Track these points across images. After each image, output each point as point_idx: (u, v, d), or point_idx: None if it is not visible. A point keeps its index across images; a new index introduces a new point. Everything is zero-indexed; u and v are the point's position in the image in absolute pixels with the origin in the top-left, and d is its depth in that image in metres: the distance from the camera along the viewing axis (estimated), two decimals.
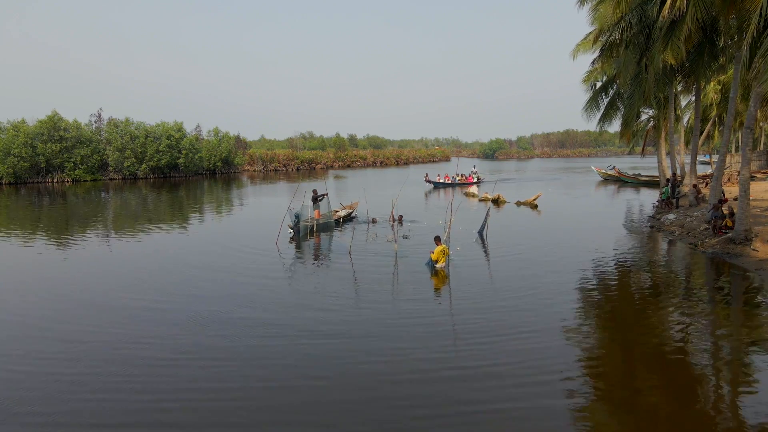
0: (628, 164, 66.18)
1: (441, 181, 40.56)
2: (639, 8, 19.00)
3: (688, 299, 10.63)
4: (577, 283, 11.88)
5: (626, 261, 14.24)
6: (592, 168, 50.57)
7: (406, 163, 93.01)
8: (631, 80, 21.02)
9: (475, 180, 42.40)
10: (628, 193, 35.10)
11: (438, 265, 12.71)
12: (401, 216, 20.58)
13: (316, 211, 18.87)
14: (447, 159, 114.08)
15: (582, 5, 24.90)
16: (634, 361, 7.82)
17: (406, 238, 16.69)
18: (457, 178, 41.67)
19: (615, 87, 29.10)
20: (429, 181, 39.90)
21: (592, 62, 28.87)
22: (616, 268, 13.32)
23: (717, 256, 13.95)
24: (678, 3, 14.72)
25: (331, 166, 78.27)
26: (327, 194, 19.81)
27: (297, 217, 18.04)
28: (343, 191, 38.86)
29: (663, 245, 16.69)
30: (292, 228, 17.90)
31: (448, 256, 13.04)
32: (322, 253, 15.91)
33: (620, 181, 43.29)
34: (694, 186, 20.94)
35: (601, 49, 20.26)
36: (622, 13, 18.64)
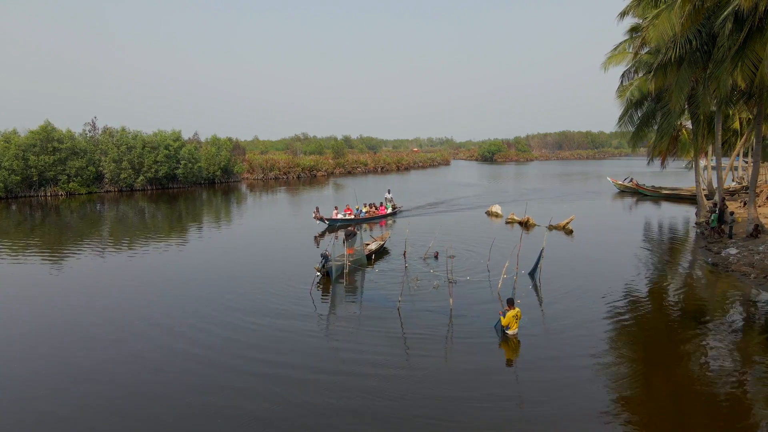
0: (626, 168, 64.98)
1: (340, 216, 27.34)
2: (700, 24, 17.41)
3: None
4: (654, 348, 10.37)
5: (704, 317, 12.40)
6: (608, 179, 49.10)
7: (407, 168, 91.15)
8: (685, 99, 19.44)
9: (388, 210, 30.45)
10: (651, 208, 33.59)
11: (510, 332, 10.94)
12: (437, 252, 19.18)
13: (350, 249, 17.18)
14: (447, 163, 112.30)
15: (622, 18, 23.30)
16: None
17: (453, 282, 14.89)
18: (364, 210, 29.25)
19: (647, 103, 27.66)
20: (321, 219, 26.55)
21: (623, 75, 27.37)
22: (693, 330, 11.41)
23: None
24: None
25: (332, 173, 76.29)
26: (359, 231, 18.23)
27: (325, 258, 16.20)
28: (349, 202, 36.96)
29: (740, 293, 14.45)
30: (319, 271, 16.09)
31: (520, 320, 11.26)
32: (364, 305, 13.79)
33: (638, 193, 41.85)
34: (756, 226, 19.36)
35: (656, 68, 18.60)
36: (685, 30, 16.98)
